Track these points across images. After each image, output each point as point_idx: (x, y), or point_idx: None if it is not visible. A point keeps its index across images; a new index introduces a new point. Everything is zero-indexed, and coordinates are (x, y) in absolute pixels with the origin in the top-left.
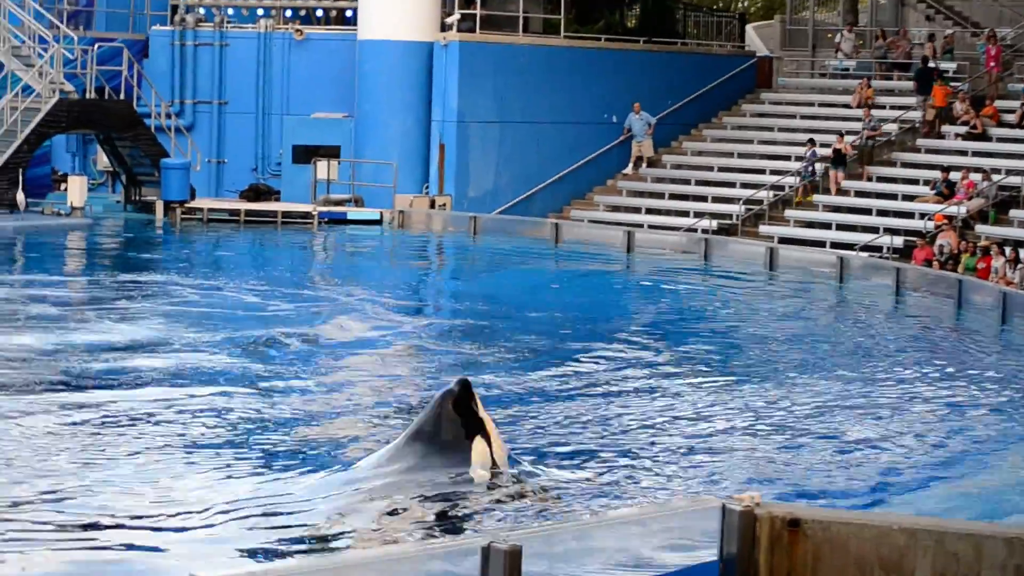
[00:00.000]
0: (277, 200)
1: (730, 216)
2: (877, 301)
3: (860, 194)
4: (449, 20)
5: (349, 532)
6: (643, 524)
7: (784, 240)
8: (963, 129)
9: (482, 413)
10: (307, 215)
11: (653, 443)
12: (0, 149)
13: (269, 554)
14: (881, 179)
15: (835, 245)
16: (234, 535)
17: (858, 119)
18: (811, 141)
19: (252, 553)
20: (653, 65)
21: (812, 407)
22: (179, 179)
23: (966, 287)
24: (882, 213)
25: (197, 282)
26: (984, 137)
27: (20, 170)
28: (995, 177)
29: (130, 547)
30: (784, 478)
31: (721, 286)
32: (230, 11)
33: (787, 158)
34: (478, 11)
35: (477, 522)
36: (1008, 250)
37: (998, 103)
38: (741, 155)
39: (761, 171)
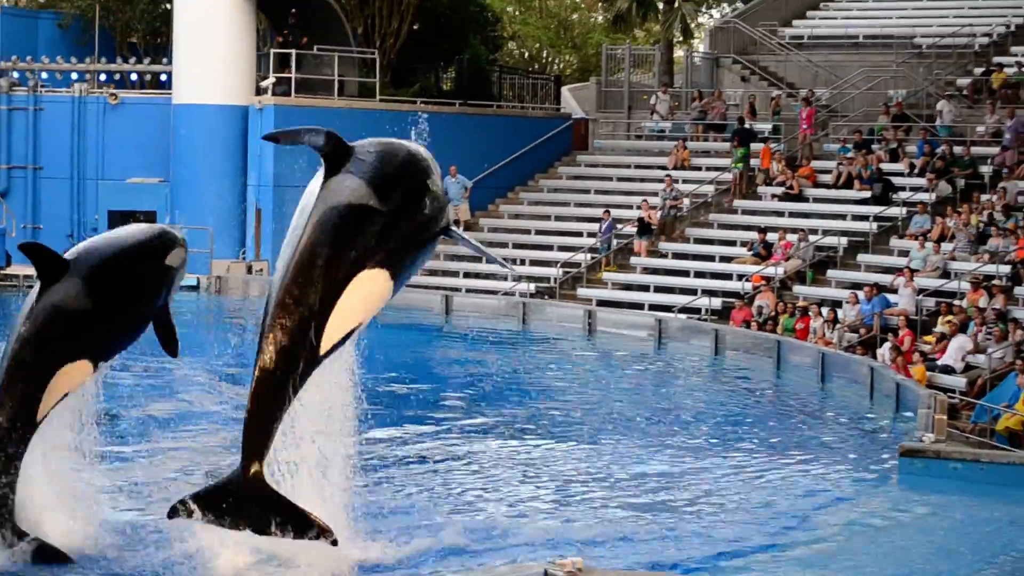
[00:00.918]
0: None
1: (548, 279)
2: (696, 363)
3: (678, 256)
4: (264, 84)
5: None
6: None
7: (602, 303)
8: (779, 190)
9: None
10: None
11: (480, 509)
12: None
13: None
14: (698, 240)
15: (653, 307)
16: None
17: (675, 180)
18: (607, 212)
19: None
20: (469, 128)
21: (633, 473)
22: None
23: (785, 348)
24: (700, 275)
25: None
26: (801, 198)
27: None
28: (812, 238)
29: None
30: (609, 542)
31: (539, 351)
32: (44, 75)
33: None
34: (293, 75)
35: None
36: (826, 310)
37: (814, 163)
38: (558, 217)
39: (578, 234)
